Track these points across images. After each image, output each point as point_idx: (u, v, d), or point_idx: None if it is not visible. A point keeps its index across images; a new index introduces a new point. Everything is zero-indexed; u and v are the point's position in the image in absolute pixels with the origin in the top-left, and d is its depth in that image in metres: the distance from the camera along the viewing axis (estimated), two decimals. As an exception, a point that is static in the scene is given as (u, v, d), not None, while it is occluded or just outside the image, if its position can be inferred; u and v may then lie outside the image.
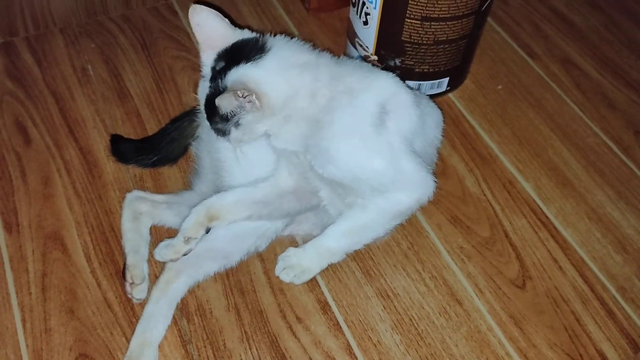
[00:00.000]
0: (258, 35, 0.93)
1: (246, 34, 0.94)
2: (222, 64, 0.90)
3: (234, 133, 0.91)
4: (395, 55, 1.26)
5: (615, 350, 1.00)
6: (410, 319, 1.02)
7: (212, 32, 0.92)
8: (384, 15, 1.20)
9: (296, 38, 0.95)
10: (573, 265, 1.10)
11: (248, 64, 0.88)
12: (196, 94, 0.96)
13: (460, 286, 1.06)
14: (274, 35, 0.93)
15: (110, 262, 1.05)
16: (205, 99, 0.92)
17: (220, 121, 0.91)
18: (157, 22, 1.47)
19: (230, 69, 0.88)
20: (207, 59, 0.93)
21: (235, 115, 0.88)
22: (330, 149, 0.90)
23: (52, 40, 1.42)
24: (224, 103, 0.87)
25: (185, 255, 0.96)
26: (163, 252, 0.96)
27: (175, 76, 1.36)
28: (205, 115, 0.93)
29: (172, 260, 0.97)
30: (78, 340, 0.96)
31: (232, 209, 0.97)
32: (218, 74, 0.89)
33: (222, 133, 0.92)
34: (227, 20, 0.93)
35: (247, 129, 0.90)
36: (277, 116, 0.90)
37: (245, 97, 0.86)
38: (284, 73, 0.89)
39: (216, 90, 0.89)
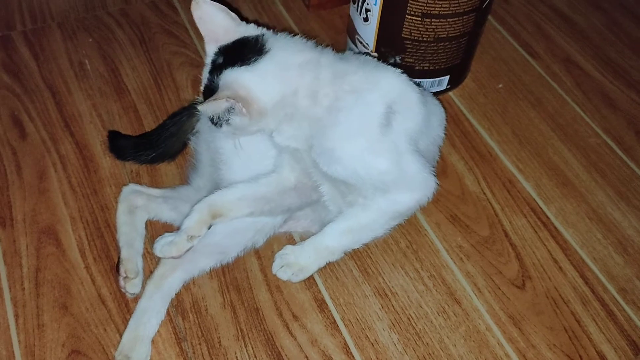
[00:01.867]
0: (261, 32, 0.92)
1: (250, 29, 0.92)
2: (220, 60, 0.89)
3: (226, 128, 0.91)
4: (395, 52, 1.25)
5: (616, 352, 0.99)
6: (408, 318, 1.01)
7: (214, 26, 0.91)
8: (385, 12, 1.19)
9: (299, 36, 0.94)
10: (573, 265, 1.09)
11: (242, 67, 0.86)
12: (194, 90, 0.95)
13: (459, 285, 1.05)
14: (277, 33, 0.92)
15: (105, 258, 1.04)
16: (204, 88, 0.91)
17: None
18: (156, 17, 1.46)
19: (225, 68, 0.87)
20: (210, 51, 0.92)
21: (224, 116, 0.88)
22: (337, 149, 0.89)
23: (49, 35, 1.40)
24: (208, 109, 0.86)
25: (186, 252, 0.95)
26: (165, 249, 0.95)
27: (174, 72, 1.35)
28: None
29: (174, 258, 0.95)
30: (71, 336, 0.95)
31: (234, 205, 0.96)
32: (215, 69, 0.89)
33: (215, 124, 0.92)
34: (232, 14, 0.92)
35: (237, 127, 0.90)
36: (270, 117, 0.89)
37: (231, 101, 0.84)
38: (280, 75, 0.88)
39: (211, 85, 0.89)
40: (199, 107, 0.85)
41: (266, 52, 0.88)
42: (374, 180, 0.91)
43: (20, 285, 1.00)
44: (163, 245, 0.95)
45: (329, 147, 0.89)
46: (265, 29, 0.93)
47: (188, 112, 1.09)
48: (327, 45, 0.96)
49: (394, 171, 0.91)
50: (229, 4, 0.93)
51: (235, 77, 0.87)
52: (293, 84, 0.88)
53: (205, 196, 0.96)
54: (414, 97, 0.94)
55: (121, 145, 1.16)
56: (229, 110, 0.86)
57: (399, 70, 0.95)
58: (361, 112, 0.89)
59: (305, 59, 0.90)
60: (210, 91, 0.88)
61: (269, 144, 0.96)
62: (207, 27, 0.91)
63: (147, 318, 0.94)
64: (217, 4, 0.91)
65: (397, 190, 0.93)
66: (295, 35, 0.94)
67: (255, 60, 0.87)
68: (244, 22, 0.93)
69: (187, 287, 1.01)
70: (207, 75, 0.91)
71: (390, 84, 0.93)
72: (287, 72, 0.88)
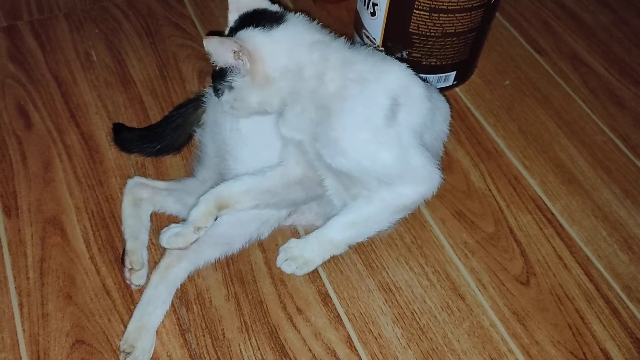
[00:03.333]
0: (282, 9, 0.94)
1: (273, 7, 0.94)
2: (238, 24, 0.91)
3: (226, 95, 0.92)
4: (402, 47, 1.24)
5: (620, 349, 0.98)
6: (412, 313, 1.00)
7: None
8: (392, 6, 1.19)
9: (316, 21, 0.95)
10: (578, 263, 1.08)
11: (257, 29, 0.89)
12: (200, 82, 0.95)
13: (464, 281, 1.05)
14: (296, 13, 0.94)
15: (109, 248, 1.04)
16: None
17: (217, 77, 0.91)
18: (162, 9, 1.46)
19: (240, 29, 0.89)
20: (231, 19, 0.94)
21: (228, 73, 0.89)
22: (341, 140, 0.89)
23: (56, 25, 1.40)
24: (212, 47, 0.87)
25: (193, 243, 0.95)
26: (171, 240, 0.95)
27: (180, 64, 1.34)
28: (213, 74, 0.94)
29: (180, 249, 0.96)
30: (75, 326, 0.95)
31: (241, 197, 0.96)
32: (230, 32, 0.91)
33: (217, 93, 0.93)
34: None
35: (238, 94, 0.90)
36: (274, 88, 0.90)
37: (236, 53, 0.86)
38: (291, 46, 0.89)
39: None
40: (204, 41, 0.86)
41: (282, 22, 0.90)
42: (378, 173, 0.91)
43: (25, 274, 1.01)
44: (169, 237, 0.95)
45: (334, 137, 0.89)
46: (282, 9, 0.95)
47: (194, 104, 1.09)
48: (339, 36, 0.96)
49: (398, 164, 0.91)
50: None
51: (248, 35, 0.89)
52: (301, 59, 0.89)
53: (212, 188, 0.96)
54: (419, 91, 0.94)
55: (126, 138, 1.16)
56: (232, 69, 0.88)
57: (405, 64, 0.95)
58: (366, 103, 0.89)
59: (317, 39, 0.91)
60: None
61: (275, 134, 0.96)
62: None
63: (152, 308, 0.94)
64: None
65: (402, 184, 0.93)
66: (313, 20, 0.95)
67: (270, 27, 0.89)
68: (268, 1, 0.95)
69: (191, 278, 1.01)
70: None
71: (395, 77, 0.93)
72: (298, 47, 0.89)
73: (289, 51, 0.89)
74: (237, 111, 0.94)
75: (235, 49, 0.86)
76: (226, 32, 0.95)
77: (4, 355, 0.92)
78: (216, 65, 0.90)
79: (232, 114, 0.95)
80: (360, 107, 0.89)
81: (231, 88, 0.91)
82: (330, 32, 0.95)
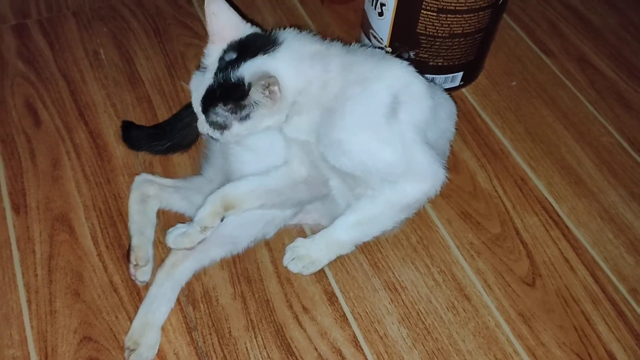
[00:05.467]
0: (267, 31, 0.93)
1: (254, 29, 0.94)
2: (233, 56, 0.89)
3: (236, 128, 0.90)
4: (409, 47, 1.24)
5: (625, 351, 0.98)
6: (418, 313, 1.01)
7: (225, 23, 0.91)
8: (400, 7, 1.19)
9: (306, 30, 0.94)
10: (584, 265, 1.08)
11: (265, 55, 0.87)
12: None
13: (469, 282, 1.05)
14: (283, 29, 0.93)
15: (117, 246, 1.05)
16: (207, 90, 0.90)
17: (221, 114, 0.89)
18: (170, 8, 1.47)
19: (245, 61, 0.87)
20: (215, 51, 0.92)
21: (247, 107, 0.87)
22: (343, 141, 0.89)
23: (64, 23, 1.41)
24: (255, 96, 0.85)
25: (199, 243, 0.95)
26: (178, 240, 0.95)
27: (188, 63, 1.35)
28: (200, 108, 0.91)
29: (186, 249, 0.96)
30: (83, 323, 0.96)
31: (247, 197, 0.96)
32: (228, 65, 0.88)
33: (220, 127, 0.91)
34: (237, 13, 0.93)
35: (254, 123, 0.90)
36: (284, 109, 0.89)
37: (268, 87, 0.85)
38: (297, 65, 0.89)
39: (225, 81, 0.88)
40: (250, 95, 0.84)
41: (281, 43, 0.89)
42: (381, 171, 0.91)
43: (33, 271, 1.01)
44: (176, 237, 0.95)
45: (336, 138, 0.89)
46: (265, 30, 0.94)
47: (203, 103, 1.10)
48: (338, 40, 0.96)
49: (401, 162, 0.91)
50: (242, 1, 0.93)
51: (262, 64, 0.87)
52: (307, 74, 0.89)
53: (217, 188, 0.97)
54: (420, 88, 0.94)
55: (135, 136, 1.16)
56: (256, 102, 0.86)
57: (405, 62, 0.95)
58: (367, 102, 0.89)
59: (315, 51, 0.91)
60: (223, 89, 0.88)
61: (277, 135, 0.97)
62: (219, 23, 0.91)
63: (157, 305, 0.95)
64: (226, 2, 0.91)
65: (405, 182, 0.93)
66: (302, 30, 0.95)
67: (273, 50, 0.88)
68: (248, 22, 0.94)
69: (198, 277, 1.01)
70: (212, 75, 0.89)
71: (395, 75, 0.93)
72: (302, 63, 0.89)
73: (296, 70, 0.88)
74: (244, 138, 0.94)
75: (268, 82, 0.84)
76: (208, 63, 0.91)
77: (12, 352, 0.93)
78: (218, 105, 0.88)
79: (236, 142, 0.94)
80: (361, 106, 0.89)
81: (245, 119, 0.89)
82: (324, 38, 0.95)
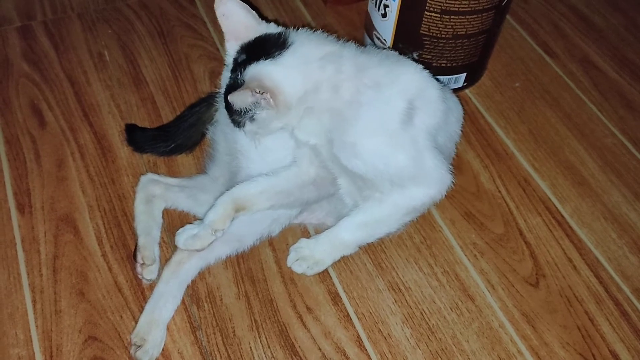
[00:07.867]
0: (282, 29, 0.92)
1: (272, 28, 0.93)
2: (243, 57, 0.90)
3: (249, 126, 0.91)
4: (413, 48, 1.25)
5: (629, 351, 0.98)
6: (422, 313, 1.01)
7: (237, 24, 0.92)
8: (403, 8, 1.19)
9: (320, 31, 0.94)
10: (588, 265, 1.08)
11: (267, 60, 0.87)
12: (212, 82, 0.95)
13: (473, 282, 1.05)
14: (297, 29, 0.93)
15: (121, 246, 1.05)
16: (225, 89, 0.92)
17: (236, 113, 0.90)
18: (175, 10, 1.47)
19: (250, 64, 0.88)
20: (231, 49, 0.93)
21: (249, 110, 0.88)
22: (358, 145, 0.89)
23: (69, 25, 1.42)
24: (237, 100, 0.86)
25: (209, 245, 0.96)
26: (189, 242, 0.95)
27: (192, 64, 1.36)
28: (224, 104, 0.93)
29: (197, 251, 0.96)
30: (88, 322, 0.96)
31: (257, 199, 0.96)
32: (238, 67, 0.89)
33: (238, 125, 0.92)
34: (253, 12, 0.93)
35: (261, 124, 0.90)
36: (294, 111, 0.89)
37: (261, 94, 0.85)
38: (303, 68, 0.88)
39: (235, 82, 0.89)
40: (229, 97, 0.85)
41: (289, 46, 0.89)
42: (392, 175, 0.91)
43: (38, 271, 1.02)
44: (186, 239, 0.95)
45: (350, 142, 0.89)
46: (285, 28, 0.94)
47: (206, 103, 1.10)
48: (348, 40, 0.96)
49: (412, 167, 0.91)
50: (248, 1, 0.93)
51: (261, 69, 0.87)
52: (316, 77, 0.88)
53: (223, 186, 0.97)
54: (434, 93, 0.94)
55: (139, 138, 1.16)
56: (255, 104, 0.87)
57: (420, 66, 0.95)
58: (382, 107, 0.89)
59: (327, 52, 0.90)
60: (233, 90, 0.88)
61: (286, 134, 0.97)
62: (229, 24, 0.92)
63: (163, 302, 0.95)
64: (239, 1, 0.91)
65: (413, 185, 0.93)
66: (315, 30, 0.94)
67: (279, 54, 0.87)
68: (264, 21, 0.94)
69: (202, 276, 1.02)
70: (229, 74, 0.91)
71: (411, 80, 0.93)
72: (310, 66, 0.88)
73: (303, 74, 0.88)
74: (261, 136, 0.94)
75: (258, 91, 0.84)
76: (227, 66, 0.93)
77: (17, 351, 0.93)
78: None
79: (255, 138, 0.95)
80: (377, 112, 0.89)
81: (253, 120, 0.90)
82: (338, 38, 0.94)
